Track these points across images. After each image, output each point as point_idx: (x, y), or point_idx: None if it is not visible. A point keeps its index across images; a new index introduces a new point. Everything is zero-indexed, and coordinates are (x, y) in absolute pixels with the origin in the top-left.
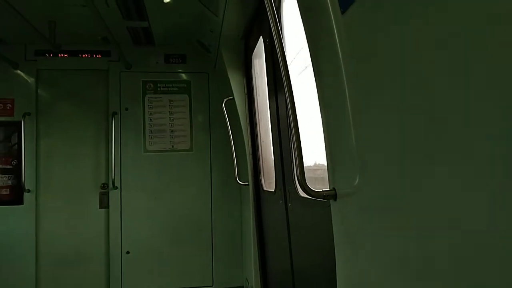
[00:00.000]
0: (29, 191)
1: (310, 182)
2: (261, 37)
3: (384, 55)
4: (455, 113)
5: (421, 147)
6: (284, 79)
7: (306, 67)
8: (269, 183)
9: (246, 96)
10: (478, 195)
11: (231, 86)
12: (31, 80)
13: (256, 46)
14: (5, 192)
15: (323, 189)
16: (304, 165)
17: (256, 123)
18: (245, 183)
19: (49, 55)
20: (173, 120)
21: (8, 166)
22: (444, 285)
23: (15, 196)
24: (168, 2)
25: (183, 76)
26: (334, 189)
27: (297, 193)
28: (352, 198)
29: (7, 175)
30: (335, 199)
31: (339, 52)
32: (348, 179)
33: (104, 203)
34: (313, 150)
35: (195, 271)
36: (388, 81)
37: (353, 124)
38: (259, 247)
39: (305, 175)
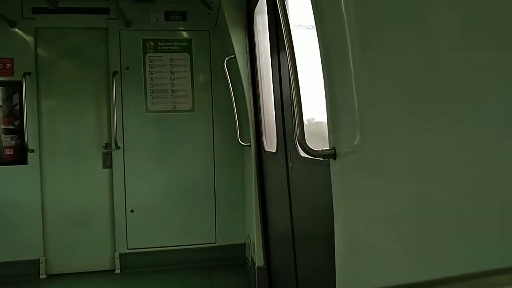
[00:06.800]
0: (32, 151)
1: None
2: None
3: (387, 12)
4: (455, 72)
5: (421, 106)
6: (285, 36)
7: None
8: (270, 144)
9: (248, 54)
10: (477, 152)
11: (232, 44)
12: (29, 38)
13: (259, 2)
14: (9, 152)
15: (323, 149)
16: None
17: (258, 83)
18: (247, 144)
19: (47, 13)
20: (174, 79)
21: (11, 127)
22: (443, 243)
23: (19, 156)
24: None
25: (184, 34)
26: (333, 148)
27: (297, 153)
28: (352, 157)
29: (10, 136)
30: (334, 158)
31: (342, 6)
32: (348, 138)
33: (107, 163)
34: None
35: (198, 229)
36: (391, 40)
37: (354, 83)
38: (261, 205)
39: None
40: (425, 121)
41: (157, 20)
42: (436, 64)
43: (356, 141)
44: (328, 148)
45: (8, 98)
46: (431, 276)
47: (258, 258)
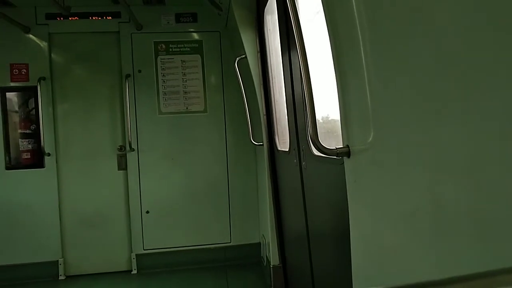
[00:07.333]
0: (49, 154)
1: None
2: None
3: (398, 8)
4: (469, 69)
5: (435, 103)
6: (296, 35)
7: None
8: (283, 143)
9: (258, 54)
10: (491, 149)
11: (243, 44)
12: (43, 44)
13: (268, 1)
14: (26, 156)
15: (337, 147)
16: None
17: (269, 82)
18: (259, 143)
19: (60, 18)
20: (186, 81)
21: (28, 131)
22: (459, 240)
23: (36, 159)
24: None
25: (195, 35)
26: (347, 146)
27: (311, 151)
28: (366, 154)
29: (27, 140)
30: (348, 156)
31: (353, 4)
32: (362, 135)
33: (122, 165)
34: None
35: (213, 228)
36: (403, 37)
37: (367, 80)
38: (275, 205)
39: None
40: (439, 119)
41: (168, 22)
42: (449, 60)
43: (370, 139)
44: (341, 146)
45: (24, 103)
46: (448, 274)
47: (273, 257)
